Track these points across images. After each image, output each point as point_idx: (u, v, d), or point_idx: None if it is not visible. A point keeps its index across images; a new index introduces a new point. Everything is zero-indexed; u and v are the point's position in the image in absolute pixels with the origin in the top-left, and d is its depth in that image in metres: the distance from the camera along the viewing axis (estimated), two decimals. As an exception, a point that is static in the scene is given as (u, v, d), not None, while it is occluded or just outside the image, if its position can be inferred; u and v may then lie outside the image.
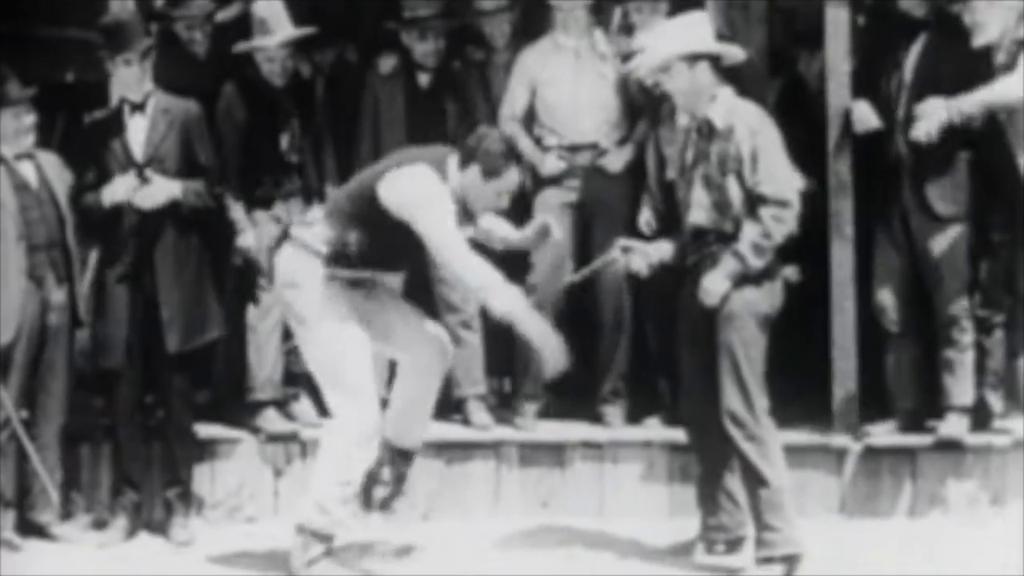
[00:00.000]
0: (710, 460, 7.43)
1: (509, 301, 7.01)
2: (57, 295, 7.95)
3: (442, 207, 7.05)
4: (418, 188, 7.06)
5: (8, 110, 7.85)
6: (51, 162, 8.03)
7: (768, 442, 7.22)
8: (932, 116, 7.78)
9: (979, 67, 7.85)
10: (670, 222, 8.13)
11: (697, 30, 7.29)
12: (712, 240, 7.22)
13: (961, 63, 7.90)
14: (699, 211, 7.23)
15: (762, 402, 7.22)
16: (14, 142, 7.89)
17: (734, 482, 7.39)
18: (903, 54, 7.99)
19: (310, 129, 8.52)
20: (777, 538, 7.21)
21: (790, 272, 7.41)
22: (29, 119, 7.90)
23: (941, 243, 7.94)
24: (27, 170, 7.94)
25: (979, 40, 7.90)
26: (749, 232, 7.09)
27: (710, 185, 7.21)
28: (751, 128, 7.14)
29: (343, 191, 7.43)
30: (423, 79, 8.56)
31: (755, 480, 7.19)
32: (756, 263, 7.10)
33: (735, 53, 7.38)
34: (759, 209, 7.07)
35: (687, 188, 7.31)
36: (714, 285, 7.13)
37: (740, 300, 7.16)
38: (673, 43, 7.23)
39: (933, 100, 7.79)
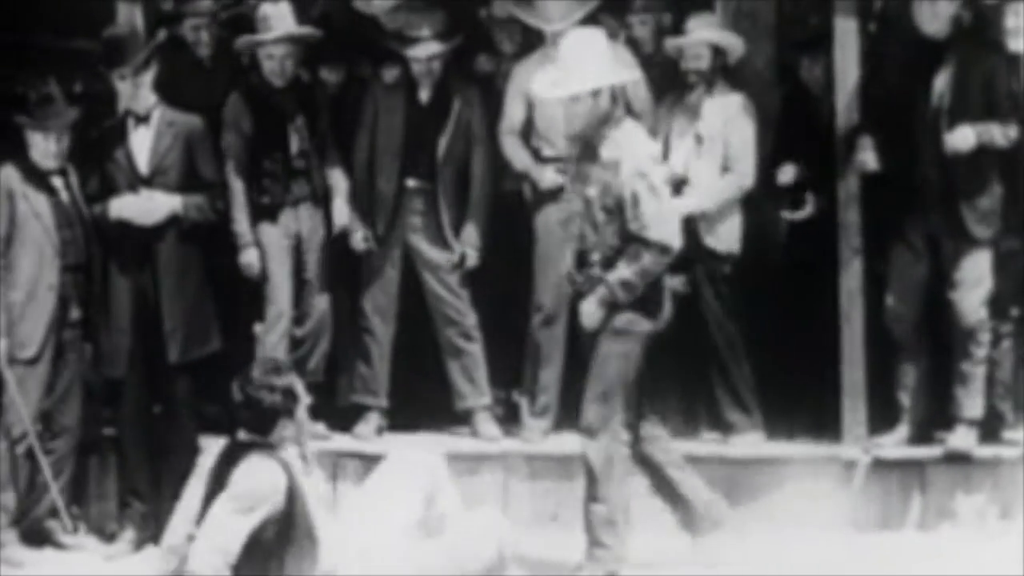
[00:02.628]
0: None
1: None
2: (74, 312, 7.99)
3: None
4: None
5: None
6: (72, 171, 8.07)
7: (616, 460, 7.30)
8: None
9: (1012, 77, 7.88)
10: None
11: (599, 62, 7.37)
12: (596, 262, 7.29)
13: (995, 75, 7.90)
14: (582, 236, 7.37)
15: (620, 417, 7.31)
16: (48, 157, 7.95)
17: None
18: (929, 79, 7.92)
19: (316, 133, 8.50)
20: (607, 555, 7.32)
21: (677, 283, 7.58)
22: (65, 142, 7.95)
23: (970, 260, 7.92)
24: (60, 185, 8.00)
25: (1014, 45, 7.89)
26: (623, 270, 7.19)
27: (591, 211, 7.31)
28: (637, 170, 7.20)
29: None
30: (423, 94, 8.53)
31: (593, 495, 7.27)
32: (624, 298, 7.22)
33: (633, 77, 7.71)
34: (640, 250, 7.17)
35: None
36: (588, 309, 7.29)
37: (624, 317, 7.27)
38: (581, 80, 7.31)
39: (963, 128, 7.79)
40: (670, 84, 8.43)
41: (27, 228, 7.91)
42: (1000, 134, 7.81)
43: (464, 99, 8.55)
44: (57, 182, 7.99)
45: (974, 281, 7.94)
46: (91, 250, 8.03)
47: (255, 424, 6.58)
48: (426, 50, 8.40)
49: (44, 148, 7.92)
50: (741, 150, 8.26)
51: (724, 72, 8.37)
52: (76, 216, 8.01)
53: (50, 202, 7.95)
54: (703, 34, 8.28)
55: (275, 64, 8.36)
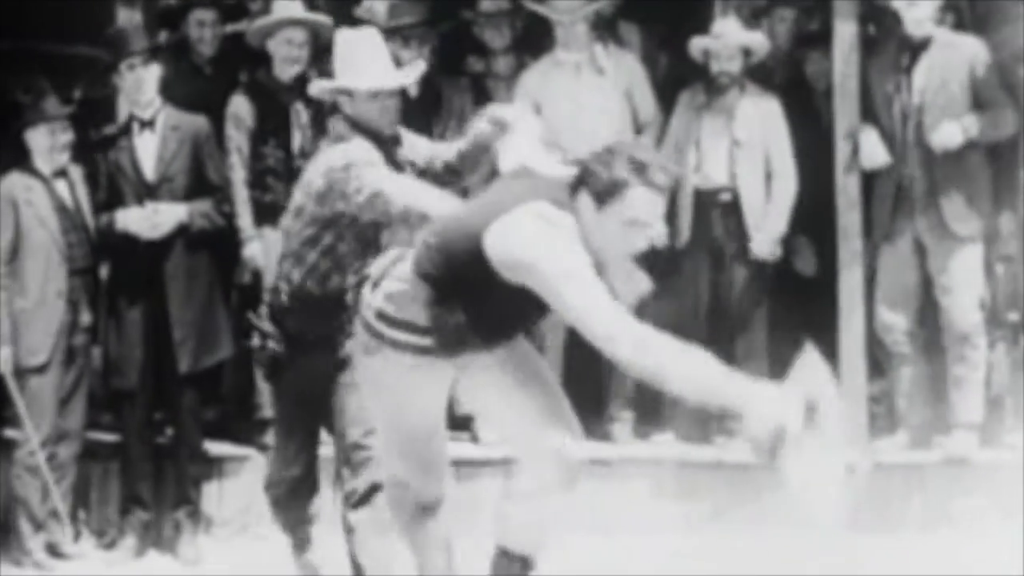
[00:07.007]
0: None
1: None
2: (84, 316, 7.99)
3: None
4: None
5: (44, 126, 7.87)
6: (80, 178, 8.05)
7: None
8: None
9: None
10: (699, 229, 8.23)
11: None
12: None
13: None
14: None
15: None
16: (49, 159, 7.93)
17: None
18: (909, 75, 7.96)
19: (320, 132, 8.46)
20: None
21: None
22: (65, 137, 7.94)
23: (957, 261, 7.93)
24: (63, 190, 7.98)
25: (994, 33, 7.93)
26: None
27: None
28: None
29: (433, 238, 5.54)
30: (412, 90, 8.51)
31: None
32: None
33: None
34: None
35: None
36: None
37: None
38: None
39: (949, 124, 7.80)
40: (679, 83, 8.47)
41: (33, 235, 7.91)
42: (988, 123, 7.81)
43: (454, 92, 8.54)
44: (61, 187, 7.99)
45: (964, 283, 7.94)
46: (96, 255, 8.04)
47: None
48: (412, 45, 8.37)
49: (45, 146, 7.90)
50: (781, 154, 8.21)
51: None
52: (80, 220, 8.01)
53: (55, 208, 7.94)
54: (738, 37, 8.22)
55: (292, 50, 8.22)
